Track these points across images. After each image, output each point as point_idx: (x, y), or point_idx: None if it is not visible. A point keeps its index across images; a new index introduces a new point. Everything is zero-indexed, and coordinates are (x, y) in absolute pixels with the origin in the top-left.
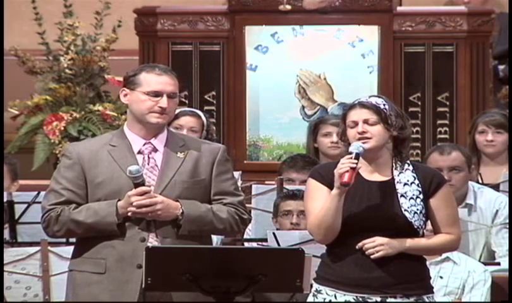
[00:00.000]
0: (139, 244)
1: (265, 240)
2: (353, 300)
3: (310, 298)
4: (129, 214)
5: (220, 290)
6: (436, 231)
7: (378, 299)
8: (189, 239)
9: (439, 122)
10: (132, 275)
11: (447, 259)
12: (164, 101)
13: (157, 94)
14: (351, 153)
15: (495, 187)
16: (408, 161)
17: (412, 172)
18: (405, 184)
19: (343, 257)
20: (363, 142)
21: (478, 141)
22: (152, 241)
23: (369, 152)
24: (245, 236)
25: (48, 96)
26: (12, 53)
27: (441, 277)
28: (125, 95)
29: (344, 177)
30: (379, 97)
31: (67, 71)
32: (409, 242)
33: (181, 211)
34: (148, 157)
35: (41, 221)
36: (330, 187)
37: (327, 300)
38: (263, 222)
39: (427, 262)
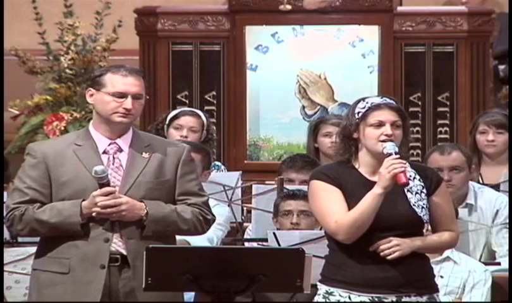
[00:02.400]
0: (103, 245)
1: (266, 240)
2: (368, 301)
3: (320, 300)
4: (94, 214)
5: (220, 290)
6: (437, 228)
7: (394, 299)
8: (153, 239)
9: (439, 122)
10: (95, 275)
11: (448, 258)
12: (128, 103)
13: (122, 95)
14: (390, 154)
15: (496, 187)
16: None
17: (411, 168)
18: (408, 179)
19: (356, 258)
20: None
21: (479, 141)
22: (116, 241)
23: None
24: (245, 236)
25: (49, 96)
26: (13, 53)
27: (441, 276)
28: (91, 95)
29: (402, 178)
30: (391, 99)
31: (67, 70)
32: (420, 241)
33: (145, 211)
34: (113, 157)
35: (5, 220)
36: (340, 187)
37: (341, 301)
38: (263, 222)
39: None
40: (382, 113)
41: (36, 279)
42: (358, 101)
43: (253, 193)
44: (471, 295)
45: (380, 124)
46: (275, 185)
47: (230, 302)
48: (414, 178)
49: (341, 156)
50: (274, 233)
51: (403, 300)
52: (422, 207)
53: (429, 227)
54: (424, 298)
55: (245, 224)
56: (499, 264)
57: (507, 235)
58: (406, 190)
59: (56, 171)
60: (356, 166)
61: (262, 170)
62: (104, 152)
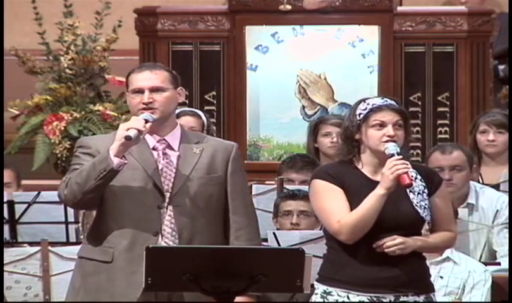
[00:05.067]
0: (151, 238)
1: (266, 240)
2: (367, 300)
3: (319, 299)
4: (121, 140)
5: (220, 290)
6: (436, 228)
7: (392, 298)
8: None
9: (439, 122)
10: (140, 267)
11: (448, 259)
12: (144, 97)
13: (139, 91)
14: (393, 155)
15: (495, 187)
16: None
17: (413, 169)
18: (411, 180)
19: (358, 257)
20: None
21: (480, 141)
22: (166, 235)
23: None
24: None
25: (49, 96)
26: (13, 53)
27: (441, 277)
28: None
29: (406, 179)
30: (393, 99)
31: (67, 70)
32: (422, 240)
33: None
34: (163, 153)
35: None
36: (342, 187)
37: (340, 301)
38: (263, 222)
39: (427, 262)
40: (383, 114)
41: (81, 267)
42: (359, 102)
43: (253, 193)
44: (471, 295)
45: (382, 125)
46: (275, 185)
47: (230, 302)
48: (416, 178)
49: (343, 157)
50: (274, 233)
51: (401, 299)
52: (424, 207)
53: (426, 226)
54: (421, 298)
55: None
56: (499, 264)
57: (508, 235)
58: (408, 190)
59: None
60: (359, 167)
61: (261, 170)
62: (153, 148)
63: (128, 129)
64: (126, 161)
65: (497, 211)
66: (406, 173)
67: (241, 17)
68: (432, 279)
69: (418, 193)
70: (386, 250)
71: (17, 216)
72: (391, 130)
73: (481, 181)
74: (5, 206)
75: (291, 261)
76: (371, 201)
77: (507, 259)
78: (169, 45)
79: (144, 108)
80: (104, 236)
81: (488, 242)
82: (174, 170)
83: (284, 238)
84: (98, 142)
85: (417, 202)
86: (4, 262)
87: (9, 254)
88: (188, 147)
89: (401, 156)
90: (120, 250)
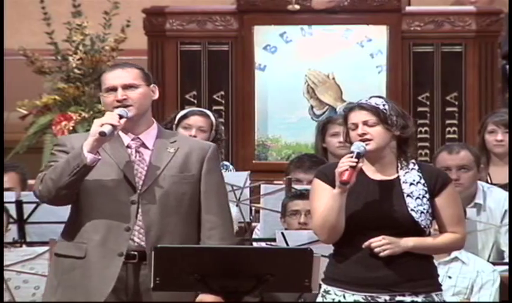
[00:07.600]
0: (123, 233)
1: (274, 240)
2: (362, 300)
3: (319, 299)
4: (95, 136)
5: (228, 290)
6: (441, 230)
7: (387, 298)
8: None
9: (448, 121)
10: (112, 262)
11: (456, 259)
12: (118, 94)
13: (112, 89)
14: (352, 153)
15: (504, 187)
16: (413, 161)
17: (418, 171)
18: (411, 184)
19: (350, 256)
20: (366, 144)
21: (488, 141)
22: (138, 227)
23: (372, 153)
24: (254, 236)
25: (57, 96)
26: (21, 53)
27: (450, 277)
28: (102, 98)
29: (344, 176)
30: (379, 97)
31: (75, 70)
32: (415, 241)
33: None
34: (136, 151)
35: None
36: (333, 185)
37: (336, 300)
38: (271, 222)
39: (435, 262)
40: (354, 115)
41: (58, 264)
42: (349, 103)
43: (261, 193)
44: (479, 295)
45: (355, 126)
46: (283, 185)
47: (238, 302)
48: (418, 182)
49: None
50: (282, 233)
51: (397, 299)
52: (422, 212)
53: (435, 226)
54: (420, 298)
55: (253, 224)
56: (506, 264)
57: None
58: (406, 195)
59: None
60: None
61: (270, 170)
62: (127, 146)
63: (102, 125)
64: (99, 157)
65: (505, 211)
66: (348, 170)
67: (250, 17)
68: (440, 279)
69: (417, 197)
70: (374, 250)
71: (25, 216)
72: (360, 130)
73: (489, 181)
74: (13, 206)
75: (299, 260)
76: (330, 201)
77: None
78: (178, 45)
79: (118, 106)
80: (78, 232)
81: (496, 242)
82: (145, 168)
83: (292, 238)
84: (74, 140)
85: (414, 207)
86: (12, 262)
87: (18, 253)
88: (162, 145)
89: (351, 155)
90: (92, 245)
